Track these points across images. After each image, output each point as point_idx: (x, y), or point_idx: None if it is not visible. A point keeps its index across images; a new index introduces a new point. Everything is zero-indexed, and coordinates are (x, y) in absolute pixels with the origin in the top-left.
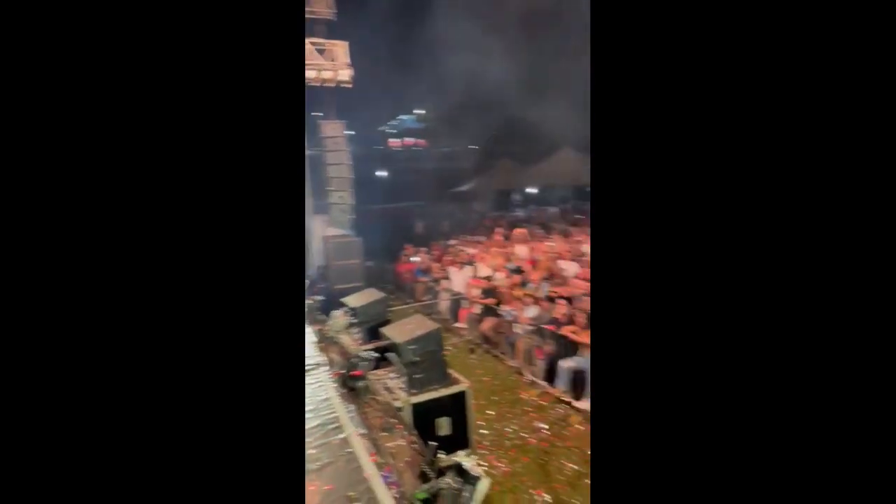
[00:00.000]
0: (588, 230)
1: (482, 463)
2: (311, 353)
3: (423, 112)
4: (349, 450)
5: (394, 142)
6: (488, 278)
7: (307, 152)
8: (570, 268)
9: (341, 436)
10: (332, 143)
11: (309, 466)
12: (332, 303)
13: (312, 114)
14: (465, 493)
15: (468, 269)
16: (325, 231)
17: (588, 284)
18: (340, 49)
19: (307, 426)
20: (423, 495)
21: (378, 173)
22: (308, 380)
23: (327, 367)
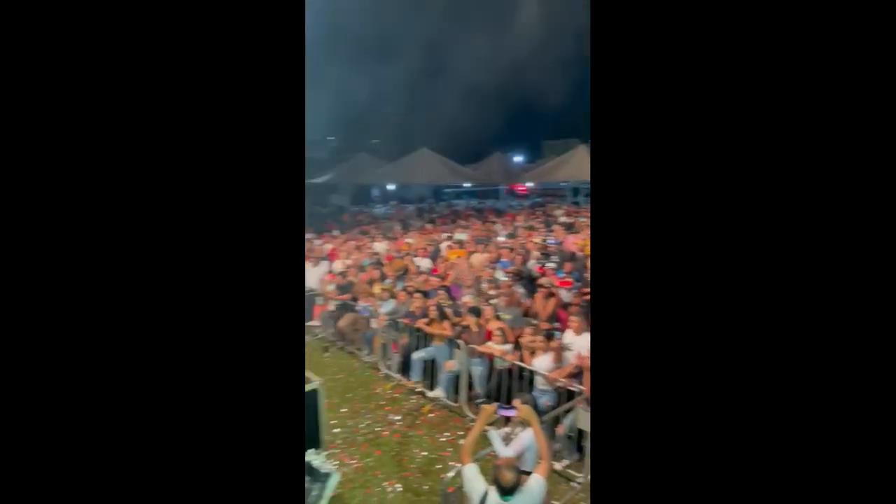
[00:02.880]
0: (441, 227)
1: (333, 462)
2: None
3: None
4: None
5: None
6: (344, 274)
7: None
8: (424, 263)
9: None
10: None
11: None
12: None
13: None
14: (315, 492)
15: (324, 265)
16: None
17: (438, 280)
18: None
19: None
20: None
21: None
22: None
23: None
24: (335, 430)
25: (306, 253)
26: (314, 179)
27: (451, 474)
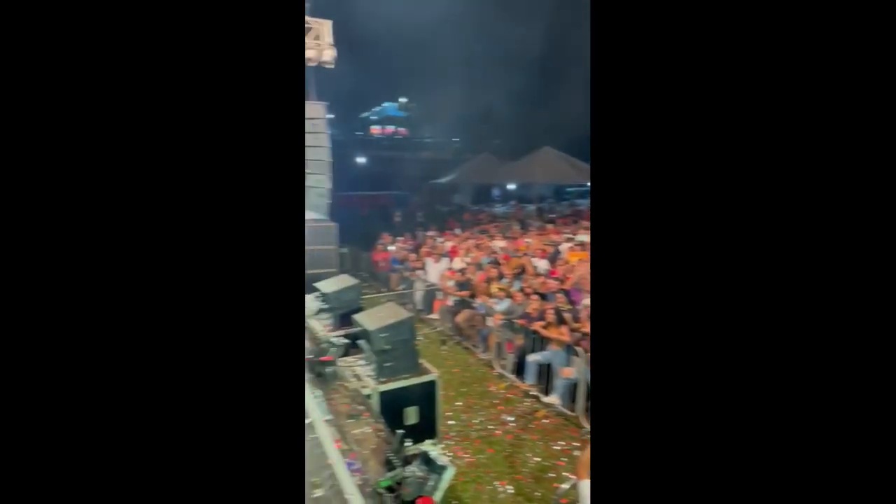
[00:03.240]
0: (562, 228)
1: (448, 453)
2: None
3: (406, 100)
4: (314, 435)
5: (375, 129)
6: (462, 271)
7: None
8: (541, 265)
9: (307, 421)
10: (312, 125)
11: None
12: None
13: None
14: (430, 482)
15: (444, 261)
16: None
17: (556, 283)
18: (325, 28)
19: None
20: (387, 483)
21: (358, 159)
22: None
23: None
24: (450, 422)
25: (429, 249)
26: (438, 180)
27: (565, 486)
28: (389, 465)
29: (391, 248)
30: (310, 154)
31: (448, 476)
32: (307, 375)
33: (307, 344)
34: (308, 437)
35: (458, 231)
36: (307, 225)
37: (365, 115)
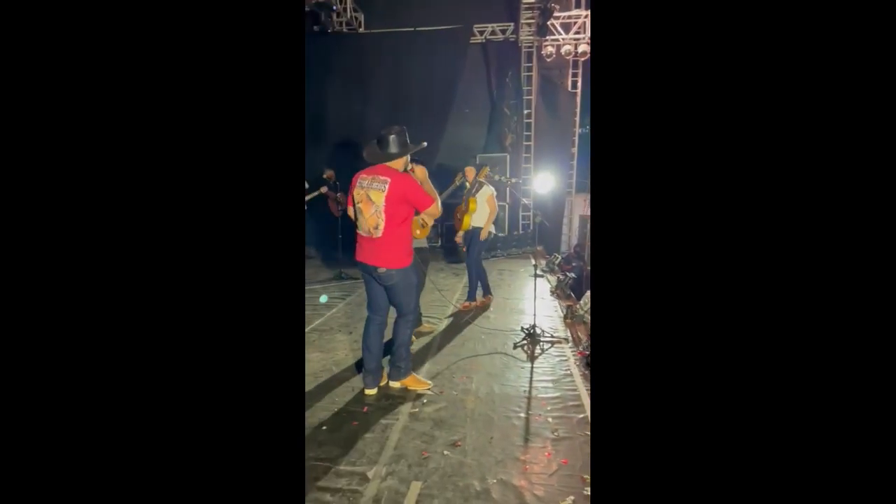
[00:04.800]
0: None
1: None
2: (558, 327)
3: None
4: (588, 432)
5: None
6: None
7: (580, 130)
8: None
9: (581, 416)
10: None
11: (545, 434)
12: (583, 282)
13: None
14: None
15: None
16: (585, 210)
17: None
18: None
19: (546, 395)
20: None
21: None
22: (552, 351)
23: (571, 345)
24: None
25: None
26: None
27: None
28: None
29: None
30: None
31: None
32: (582, 371)
33: (584, 339)
34: (582, 432)
35: None
36: (583, 218)
37: None
